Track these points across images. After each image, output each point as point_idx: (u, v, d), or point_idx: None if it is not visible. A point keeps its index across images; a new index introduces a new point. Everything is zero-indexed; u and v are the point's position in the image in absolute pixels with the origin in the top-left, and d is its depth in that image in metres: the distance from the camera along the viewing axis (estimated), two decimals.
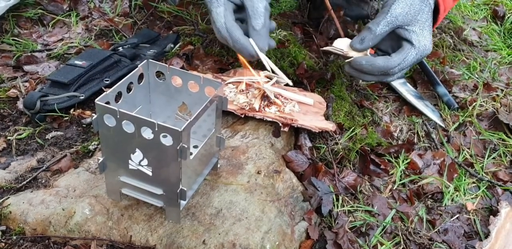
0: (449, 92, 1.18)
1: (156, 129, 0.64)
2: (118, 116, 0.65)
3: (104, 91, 0.93)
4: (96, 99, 0.66)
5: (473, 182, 1.00)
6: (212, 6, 0.89)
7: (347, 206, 0.90)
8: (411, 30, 0.89)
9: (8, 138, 0.95)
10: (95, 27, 1.29)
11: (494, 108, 1.16)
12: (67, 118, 1.00)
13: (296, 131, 1.01)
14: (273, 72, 0.98)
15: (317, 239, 0.83)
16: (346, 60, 0.93)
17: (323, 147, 0.98)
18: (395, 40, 0.93)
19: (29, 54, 1.17)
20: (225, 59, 1.18)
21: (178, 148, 0.64)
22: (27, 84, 1.08)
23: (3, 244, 0.75)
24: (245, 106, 0.96)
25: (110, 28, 1.30)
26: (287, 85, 1.09)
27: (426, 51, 0.90)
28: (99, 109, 0.66)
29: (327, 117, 1.02)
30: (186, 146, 0.64)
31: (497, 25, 1.53)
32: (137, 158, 0.71)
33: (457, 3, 1.54)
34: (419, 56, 0.90)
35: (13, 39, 1.22)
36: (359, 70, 0.92)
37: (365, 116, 1.09)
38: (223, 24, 0.89)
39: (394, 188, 0.95)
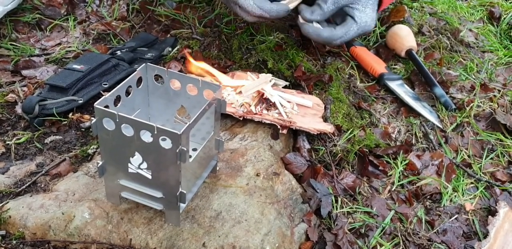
0: (447, 93, 1.19)
1: (155, 132, 0.64)
2: (117, 120, 0.65)
3: (102, 95, 0.93)
4: (95, 103, 0.66)
5: (471, 183, 1.00)
6: None
7: (346, 207, 0.90)
8: (354, 7, 1.00)
9: (7, 142, 0.95)
10: (92, 31, 1.30)
11: (491, 109, 1.17)
12: (65, 122, 1.00)
13: (295, 133, 1.01)
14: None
15: (316, 241, 0.83)
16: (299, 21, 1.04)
17: (322, 149, 0.99)
18: (342, 15, 1.04)
19: (27, 58, 1.18)
20: (222, 62, 1.18)
21: (177, 151, 0.65)
22: (25, 88, 1.08)
23: (3, 248, 0.75)
24: (243, 109, 0.96)
25: (108, 32, 1.30)
26: (285, 87, 1.09)
27: (367, 27, 1.03)
28: (98, 112, 0.66)
29: (325, 119, 1.03)
30: (185, 149, 0.65)
31: (493, 26, 1.54)
32: (136, 162, 0.71)
33: (454, 4, 1.55)
34: (360, 31, 1.02)
35: (11, 44, 1.23)
36: (306, 36, 1.04)
37: (363, 118, 1.10)
38: (253, 4, 0.97)
39: (393, 189, 0.96)
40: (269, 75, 1.03)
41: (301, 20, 1.03)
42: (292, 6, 1.02)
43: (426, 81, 1.21)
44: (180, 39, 1.27)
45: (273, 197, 0.83)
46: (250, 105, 0.97)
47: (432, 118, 1.12)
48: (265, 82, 1.00)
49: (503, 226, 0.89)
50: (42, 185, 0.86)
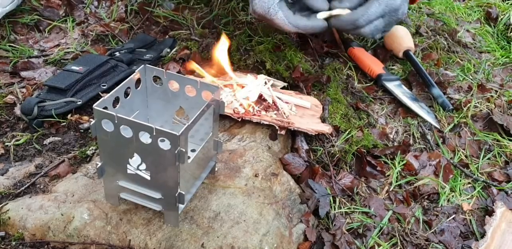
0: (444, 93, 1.19)
1: (154, 133, 0.64)
2: (116, 121, 0.66)
3: (101, 97, 0.94)
4: (94, 105, 0.66)
5: (469, 183, 1.01)
6: (271, 15, 0.97)
7: (344, 207, 0.90)
8: None
9: (6, 144, 0.95)
10: (91, 33, 1.30)
11: (489, 109, 1.17)
12: (64, 123, 1.00)
13: (293, 134, 1.01)
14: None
15: (314, 241, 0.83)
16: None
17: (320, 150, 0.99)
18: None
19: (26, 60, 1.18)
20: None
21: (176, 152, 0.65)
22: (24, 90, 1.08)
23: None
24: (240, 109, 0.97)
25: (106, 33, 1.31)
26: (284, 88, 1.10)
27: (391, 2, 0.98)
28: (97, 114, 0.66)
29: (323, 119, 1.03)
30: (184, 150, 0.65)
31: (490, 26, 1.54)
32: (135, 163, 0.71)
33: (451, 5, 1.55)
34: (384, 6, 0.98)
35: (9, 45, 1.23)
36: (336, 29, 1.06)
37: (360, 118, 1.10)
38: (288, 23, 0.98)
39: (391, 190, 0.96)
40: (263, 76, 1.04)
41: (318, 16, 1.02)
42: (332, 12, 1.01)
43: (423, 82, 1.21)
44: (178, 40, 1.28)
45: (271, 197, 0.84)
46: (249, 105, 0.97)
47: (429, 118, 1.12)
48: (258, 85, 1.00)
49: (500, 226, 0.90)
50: (41, 186, 0.86)
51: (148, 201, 0.75)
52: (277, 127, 0.95)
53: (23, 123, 1.01)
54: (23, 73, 1.14)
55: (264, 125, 0.97)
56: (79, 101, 1.02)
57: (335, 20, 1.01)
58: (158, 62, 1.21)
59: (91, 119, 0.79)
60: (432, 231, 0.89)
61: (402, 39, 1.27)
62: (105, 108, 0.69)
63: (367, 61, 1.22)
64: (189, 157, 0.71)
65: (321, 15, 1.02)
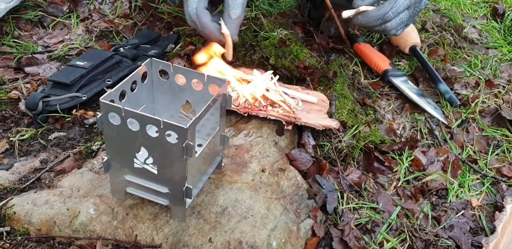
0: (451, 89, 1.18)
1: (162, 126, 0.63)
2: (123, 114, 0.65)
3: (106, 92, 0.93)
4: (101, 97, 0.65)
5: (477, 178, 1.00)
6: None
7: (352, 203, 0.89)
8: None
9: (11, 139, 0.95)
10: (95, 29, 1.29)
11: (497, 105, 1.16)
12: (69, 118, 0.99)
13: (300, 129, 1.01)
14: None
15: (323, 237, 0.82)
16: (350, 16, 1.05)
17: (327, 145, 0.98)
18: None
19: (30, 55, 1.17)
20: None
21: (183, 145, 0.64)
22: (28, 85, 1.08)
23: (8, 244, 0.75)
24: (247, 104, 0.96)
25: (111, 29, 1.30)
26: (290, 83, 1.09)
27: None
28: (104, 107, 0.65)
29: (330, 115, 1.02)
30: (191, 143, 0.64)
31: (497, 22, 1.53)
32: (142, 157, 0.70)
33: (457, 1, 1.54)
34: None
35: (13, 41, 1.22)
36: (361, 25, 1.05)
37: (367, 114, 1.09)
38: (194, 9, 0.95)
39: (399, 185, 0.95)
40: (270, 72, 1.03)
41: (344, 15, 1.04)
42: (229, 40, 0.98)
43: (430, 78, 1.20)
44: (183, 36, 1.27)
45: (279, 192, 0.83)
46: (256, 100, 0.96)
47: (437, 114, 1.11)
48: (264, 80, 0.99)
49: (510, 222, 0.89)
50: (47, 181, 0.86)
51: (154, 195, 0.74)
52: (284, 122, 0.94)
53: (28, 118, 1.00)
54: (27, 69, 1.13)
55: (270, 120, 0.96)
56: (84, 96, 1.01)
57: (362, 17, 1.02)
58: (163, 58, 1.21)
59: (97, 112, 0.78)
60: (441, 226, 0.88)
61: (408, 35, 1.26)
62: (112, 101, 0.68)
63: (373, 57, 1.21)
64: (196, 152, 0.70)
65: (347, 13, 1.03)
